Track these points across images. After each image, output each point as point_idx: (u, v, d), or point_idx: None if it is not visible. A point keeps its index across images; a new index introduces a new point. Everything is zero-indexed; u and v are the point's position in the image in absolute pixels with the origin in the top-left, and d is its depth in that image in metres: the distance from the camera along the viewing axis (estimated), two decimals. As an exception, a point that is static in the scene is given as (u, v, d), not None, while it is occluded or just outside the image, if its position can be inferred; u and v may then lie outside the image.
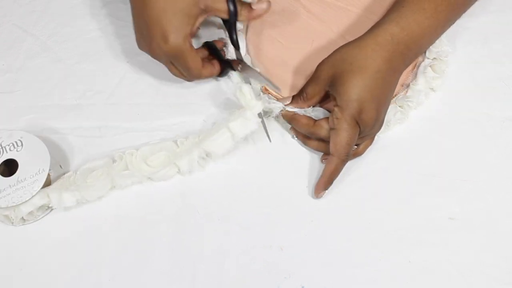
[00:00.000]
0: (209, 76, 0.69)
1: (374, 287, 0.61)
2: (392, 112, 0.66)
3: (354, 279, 0.62)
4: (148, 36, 0.65)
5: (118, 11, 0.77)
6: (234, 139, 0.66)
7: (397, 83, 0.65)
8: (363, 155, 0.67)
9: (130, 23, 0.75)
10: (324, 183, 0.64)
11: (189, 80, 0.69)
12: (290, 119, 0.67)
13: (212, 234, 0.64)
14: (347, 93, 0.61)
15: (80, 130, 0.70)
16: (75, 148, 0.69)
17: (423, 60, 0.70)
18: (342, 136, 0.62)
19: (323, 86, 0.64)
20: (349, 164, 0.66)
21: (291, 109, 0.67)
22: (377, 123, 0.64)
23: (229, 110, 0.70)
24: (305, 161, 0.68)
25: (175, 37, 0.63)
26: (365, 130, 0.63)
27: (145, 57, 0.73)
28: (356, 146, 0.65)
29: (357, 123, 0.62)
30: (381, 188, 0.66)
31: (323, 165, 0.67)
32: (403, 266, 0.62)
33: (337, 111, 0.62)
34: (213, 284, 0.62)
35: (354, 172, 0.66)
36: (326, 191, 0.65)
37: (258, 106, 0.65)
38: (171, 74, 0.70)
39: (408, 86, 0.70)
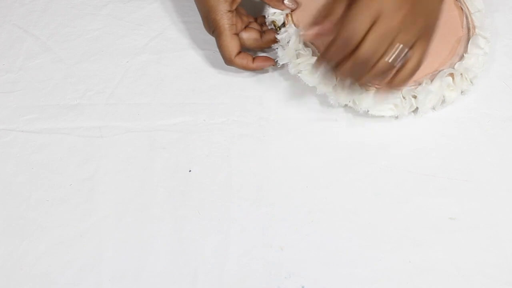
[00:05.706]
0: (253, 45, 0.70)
1: (374, 287, 0.61)
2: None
3: (354, 279, 0.62)
4: (201, 17, 0.69)
5: (118, 11, 0.77)
6: None
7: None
8: (363, 155, 0.67)
9: (130, 23, 0.76)
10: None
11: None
12: None
13: (212, 234, 0.64)
14: None
15: (80, 130, 0.70)
16: (75, 148, 0.69)
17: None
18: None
19: None
20: (349, 163, 0.66)
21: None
22: (401, 10, 0.57)
23: (230, 110, 0.70)
24: (305, 161, 0.68)
25: (214, 15, 0.66)
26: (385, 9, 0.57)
27: (145, 57, 0.74)
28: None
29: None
30: (381, 188, 0.66)
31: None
32: (403, 266, 0.62)
33: None
34: (214, 284, 0.62)
35: (354, 172, 0.66)
36: None
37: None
38: (171, 74, 0.70)
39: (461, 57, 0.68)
